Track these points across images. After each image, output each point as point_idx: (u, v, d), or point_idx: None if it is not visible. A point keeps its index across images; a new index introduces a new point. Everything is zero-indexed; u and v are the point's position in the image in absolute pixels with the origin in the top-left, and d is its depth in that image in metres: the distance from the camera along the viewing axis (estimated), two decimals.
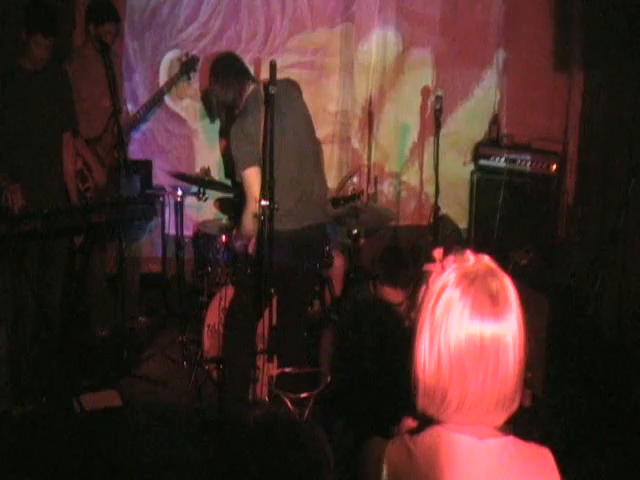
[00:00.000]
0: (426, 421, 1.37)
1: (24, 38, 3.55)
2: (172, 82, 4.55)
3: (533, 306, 3.08)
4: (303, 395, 3.12)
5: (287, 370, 3.28)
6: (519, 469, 1.33)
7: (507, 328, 1.30)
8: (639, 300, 4.17)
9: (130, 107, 4.83)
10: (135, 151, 4.93)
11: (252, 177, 3.26)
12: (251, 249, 3.41)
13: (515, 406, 1.34)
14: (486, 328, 1.28)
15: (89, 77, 4.14)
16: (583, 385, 3.71)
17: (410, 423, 1.51)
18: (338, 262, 4.32)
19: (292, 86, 3.59)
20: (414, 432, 1.37)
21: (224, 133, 4.13)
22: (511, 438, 1.36)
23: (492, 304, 1.30)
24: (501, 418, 1.34)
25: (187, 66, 4.54)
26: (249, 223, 3.31)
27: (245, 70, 3.54)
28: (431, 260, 1.37)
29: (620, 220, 3.89)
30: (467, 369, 1.28)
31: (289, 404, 3.11)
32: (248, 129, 3.30)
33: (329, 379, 3.21)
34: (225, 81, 3.45)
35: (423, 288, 1.35)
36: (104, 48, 3.82)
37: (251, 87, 3.46)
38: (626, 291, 4.10)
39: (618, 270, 4.05)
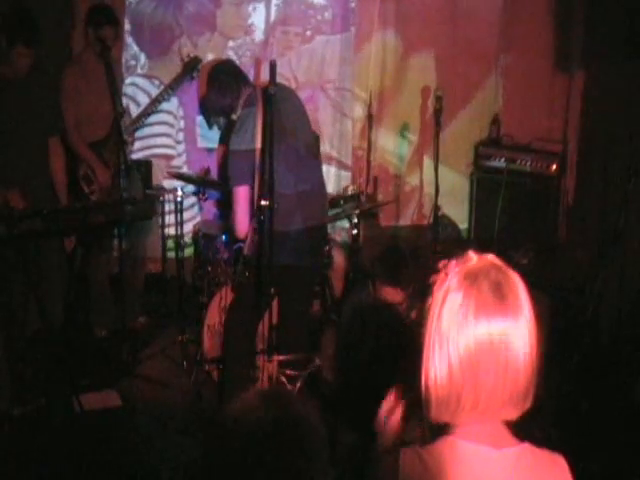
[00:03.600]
0: (436, 429, 1.35)
1: (5, 48, 3.54)
2: (175, 82, 4.53)
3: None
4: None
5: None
6: (535, 477, 1.33)
7: (515, 322, 1.29)
8: (639, 300, 4.17)
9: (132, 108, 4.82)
10: (135, 151, 4.93)
11: (242, 195, 3.34)
12: (247, 250, 3.41)
13: (529, 402, 1.33)
14: (493, 326, 1.27)
15: (89, 81, 4.13)
16: (583, 385, 3.71)
17: (393, 400, 1.51)
18: (338, 262, 4.32)
19: (287, 88, 3.60)
20: (427, 441, 1.35)
21: (222, 138, 4.12)
22: (527, 445, 1.35)
23: (497, 299, 1.28)
24: (514, 413, 1.33)
25: (189, 66, 4.52)
26: (239, 230, 3.39)
27: (241, 76, 3.54)
28: (435, 270, 1.36)
29: (620, 220, 3.89)
30: (479, 369, 1.27)
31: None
32: (247, 144, 3.29)
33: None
34: (222, 88, 3.46)
35: (428, 300, 1.34)
36: (105, 50, 3.81)
37: (247, 91, 3.46)
38: (626, 291, 4.09)
39: (618, 270, 4.05)
